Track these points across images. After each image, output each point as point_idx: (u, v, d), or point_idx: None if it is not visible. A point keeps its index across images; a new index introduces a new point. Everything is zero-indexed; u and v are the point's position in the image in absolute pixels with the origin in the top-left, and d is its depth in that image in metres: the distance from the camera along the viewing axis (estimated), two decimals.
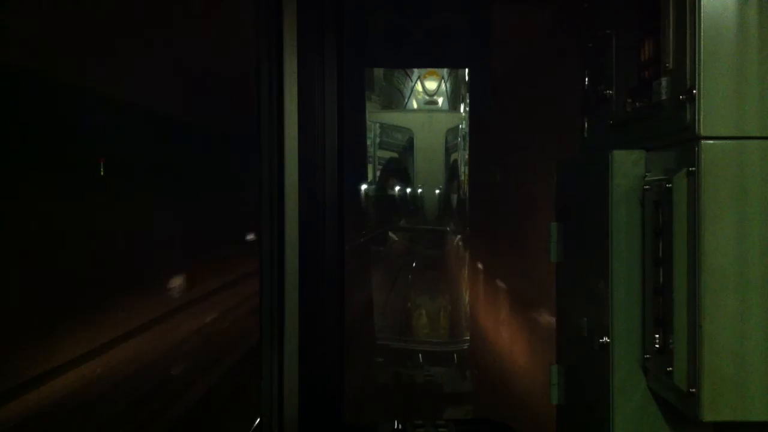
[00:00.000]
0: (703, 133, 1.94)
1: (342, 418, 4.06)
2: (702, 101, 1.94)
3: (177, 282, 10.03)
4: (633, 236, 2.29)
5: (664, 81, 2.12)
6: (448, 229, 21.62)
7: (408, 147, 25.79)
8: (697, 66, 1.95)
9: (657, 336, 2.13)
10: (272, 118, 3.64)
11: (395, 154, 26.95)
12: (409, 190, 26.02)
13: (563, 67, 5.25)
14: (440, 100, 25.54)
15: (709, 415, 1.93)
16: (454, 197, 22.64)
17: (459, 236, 18.55)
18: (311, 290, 3.73)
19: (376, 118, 24.53)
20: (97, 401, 7.19)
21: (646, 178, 2.25)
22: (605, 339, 2.33)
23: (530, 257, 6.83)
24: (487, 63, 8.05)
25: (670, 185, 2.03)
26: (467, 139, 16.56)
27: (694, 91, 1.95)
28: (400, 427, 3.94)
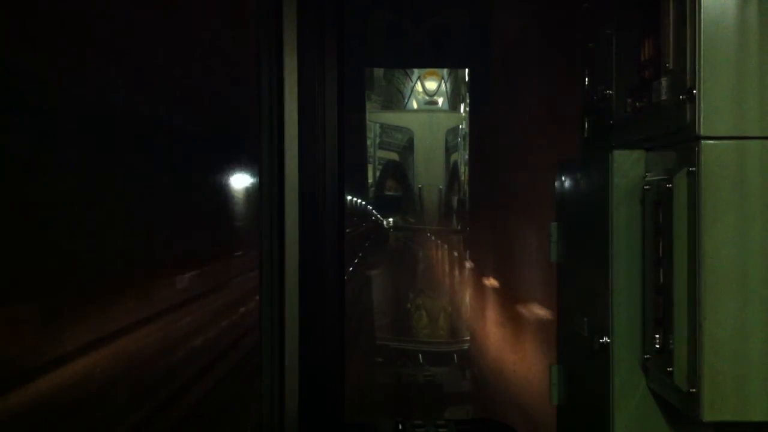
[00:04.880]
0: (703, 133, 1.94)
1: (342, 417, 4.06)
2: (702, 101, 1.94)
3: None
4: (633, 236, 2.29)
5: (664, 81, 2.11)
6: (447, 228, 21.63)
7: (408, 147, 25.81)
8: (697, 66, 1.95)
9: (657, 336, 2.13)
10: (272, 118, 3.64)
11: (395, 154, 26.97)
12: (409, 190, 26.01)
13: (563, 67, 5.25)
14: (440, 100, 25.55)
15: (709, 415, 1.93)
16: (454, 197, 22.64)
17: (459, 236, 18.55)
18: (311, 290, 3.73)
19: (376, 118, 24.53)
20: None
21: (646, 178, 2.25)
22: (605, 339, 2.33)
23: (530, 257, 6.84)
24: (487, 63, 8.05)
25: (670, 185, 2.02)
26: (467, 139, 16.56)
27: (694, 91, 1.95)
28: (400, 427, 3.94)
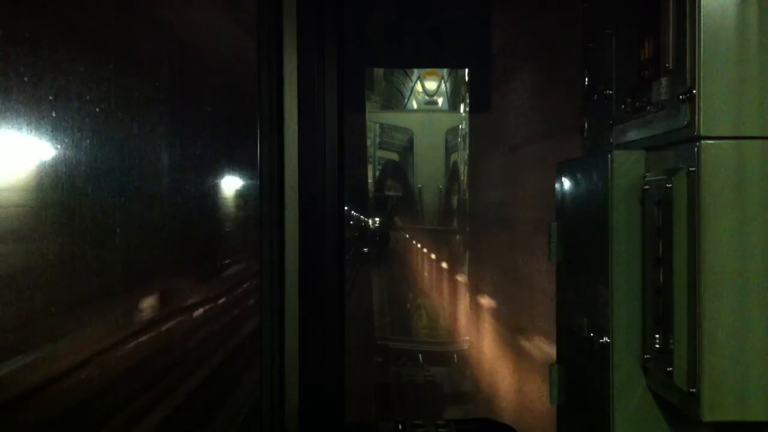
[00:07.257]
0: (703, 133, 1.94)
1: (342, 417, 4.06)
2: (702, 101, 1.94)
3: None
4: (633, 236, 2.29)
5: (664, 81, 2.12)
6: (447, 228, 21.62)
7: (408, 147, 25.81)
8: (697, 66, 1.95)
9: (657, 336, 2.13)
10: (272, 118, 3.64)
11: (395, 154, 26.96)
12: (408, 189, 25.99)
13: (563, 67, 5.26)
14: (440, 101, 25.55)
15: (709, 415, 1.93)
16: (454, 197, 22.62)
17: (458, 236, 18.55)
18: (311, 290, 3.73)
19: (376, 118, 24.53)
20: None
21: (646, 178, 2.26)
22: (605, 339, 2.33)
23: (530, 257, 6.84)
24: (487, 63, 8.05)
25: (670, 185, 2.03)
26: (467, 139, 16.55)
27: (694, 91, 1.95)
28: (400, 427, 3.94)
